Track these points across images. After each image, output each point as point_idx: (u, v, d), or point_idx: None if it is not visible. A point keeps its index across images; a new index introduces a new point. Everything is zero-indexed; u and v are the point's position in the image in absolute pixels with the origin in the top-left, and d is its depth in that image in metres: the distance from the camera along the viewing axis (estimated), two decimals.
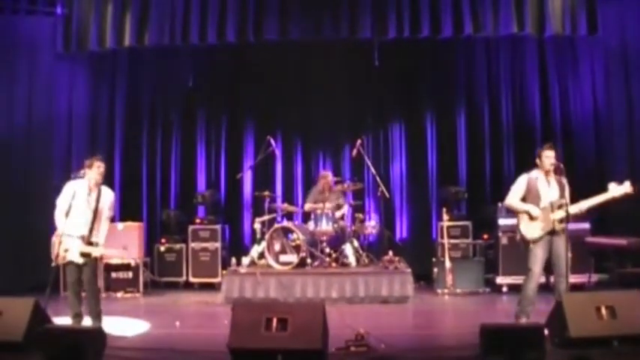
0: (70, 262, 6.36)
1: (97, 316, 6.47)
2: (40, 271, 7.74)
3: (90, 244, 6.38)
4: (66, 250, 6.32)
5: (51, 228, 6.54)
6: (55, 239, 6.39)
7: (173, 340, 6.44)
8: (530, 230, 6.41)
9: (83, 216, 6.37)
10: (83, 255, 6.32)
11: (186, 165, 10.74)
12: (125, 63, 10.56)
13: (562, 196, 6.34)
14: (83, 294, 6.54)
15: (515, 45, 10.24)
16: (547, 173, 6.44)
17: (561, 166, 6.41)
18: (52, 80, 10.04)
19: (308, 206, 9.49)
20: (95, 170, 6.42)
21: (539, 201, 6.42)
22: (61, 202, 6.41)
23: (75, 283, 6.47)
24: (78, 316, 6.49)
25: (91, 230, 6.38)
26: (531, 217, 6.40)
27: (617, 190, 6.29)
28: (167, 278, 9.86)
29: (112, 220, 6.66)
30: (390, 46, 9.81)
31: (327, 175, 9.57)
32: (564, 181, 6.45)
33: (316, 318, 5.50)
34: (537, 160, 6.50)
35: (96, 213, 6.39)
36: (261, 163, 10.01)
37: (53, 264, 6.39)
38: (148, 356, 5.97)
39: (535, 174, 6.52)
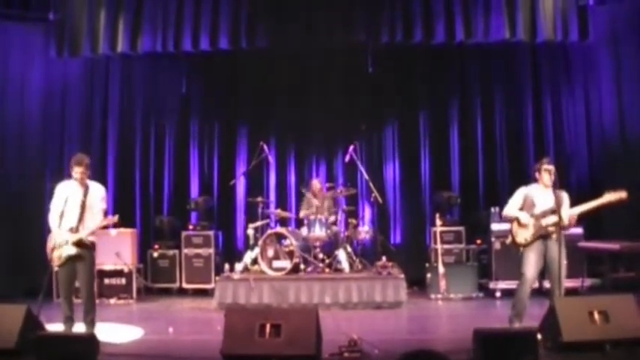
0: (65, 262, 6.32)
1: (90, 323, 6.42)
2: (35, 275, 7.71)
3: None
4: (59, 249, 6.30)
5: (45, 231, 6.54)
6: (49, 243, 6.39)
7: (166, 347, 6.43)
8: (520, 234, 6.43)
9: (74, 213, 6.36)
10: (75, 244, 6.29)
11: (180, 171, 10.72)
12: (118, 69, 10.55)
13: (557, 205, 6.28)
14: (78, 300, 6.51)
15: (508, 51, 10.25)
16: (545, 187, 6.42)
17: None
18: (45, 87, 10.01)
19: (303, 213, 9.50)
20: (73, 172, 6.45)
21: (533, 210, 6.42)
22: (54, 204, 6.43)
23: (66, 286, 6.43)
24: (69, 320, 6.42)
25: (79, 223, 6.36)
26: (520, 224, 6.43)
27: (611, 195, 6.25)
28: (160, 284, 9.84)
29: (105, 215, 6.62)
30: (383, 52, 9.86)
31: (316, 183, 9.63)
32: (563, 194, 6.39)
33: (310, 324, 5.50)
34: (537, 174, 6.46)
35: (83, 208, 6.38)
36: (254, 169, 10.00)
37: (54, 268, 6.42)
38: None
39: (533, 187, 6.51)
